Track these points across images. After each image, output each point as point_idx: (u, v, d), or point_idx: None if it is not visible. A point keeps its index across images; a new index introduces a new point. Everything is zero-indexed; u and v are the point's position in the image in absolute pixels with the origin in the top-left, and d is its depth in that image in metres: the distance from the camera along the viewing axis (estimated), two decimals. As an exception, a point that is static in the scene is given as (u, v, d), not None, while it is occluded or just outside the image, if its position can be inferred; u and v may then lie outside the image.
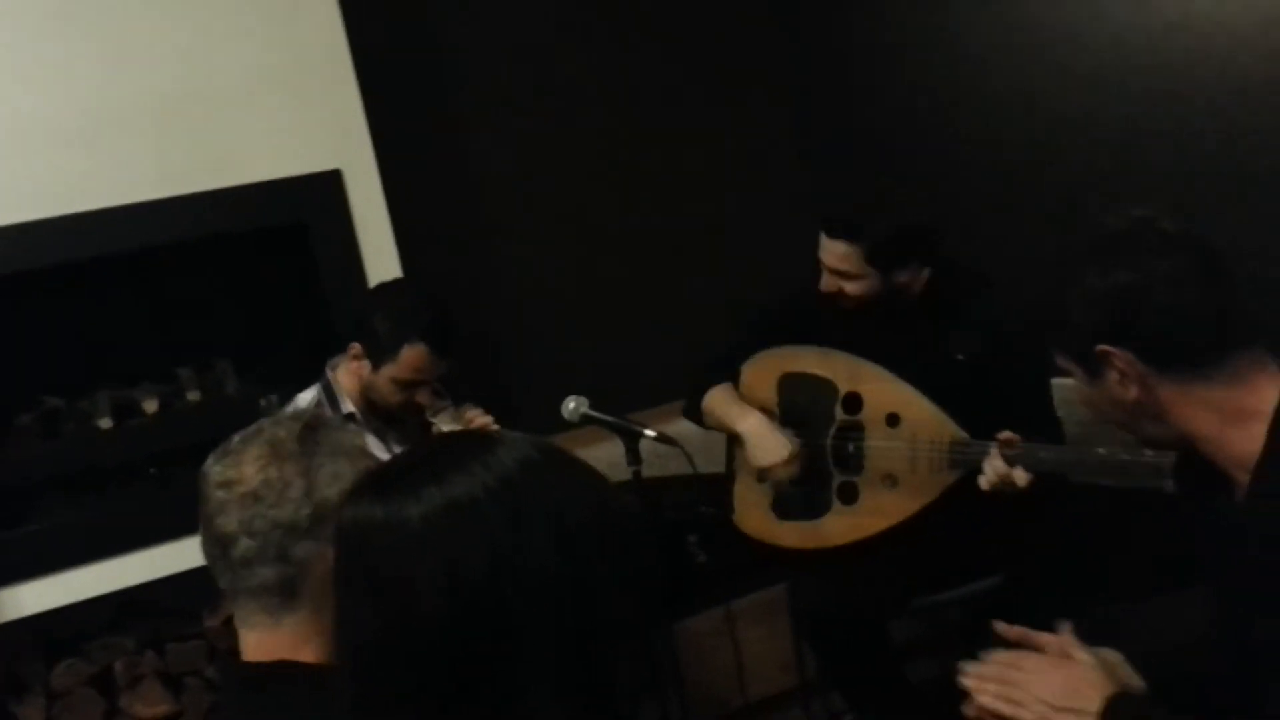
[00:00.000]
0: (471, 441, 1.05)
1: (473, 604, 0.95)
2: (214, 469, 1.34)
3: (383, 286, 2.79)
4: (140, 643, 2.98)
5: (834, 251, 2.57)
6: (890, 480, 2.61)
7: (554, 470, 1.04)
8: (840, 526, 2.68)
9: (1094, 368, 1.53)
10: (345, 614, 1.02)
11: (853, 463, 2.68)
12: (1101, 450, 2.21)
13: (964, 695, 1.63)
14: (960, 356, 2.59)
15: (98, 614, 2.96)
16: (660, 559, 3.06)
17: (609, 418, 2.54)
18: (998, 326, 2.55)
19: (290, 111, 2.98)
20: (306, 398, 2.70)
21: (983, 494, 2.37)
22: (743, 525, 2.87)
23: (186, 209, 2.88)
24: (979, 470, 2.37)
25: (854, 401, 2.68)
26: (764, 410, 2.79)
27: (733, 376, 2.86)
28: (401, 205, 3.14)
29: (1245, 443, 1.46)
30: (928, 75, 3.55)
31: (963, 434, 2.50)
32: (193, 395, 3.06)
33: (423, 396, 2.64)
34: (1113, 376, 1.51)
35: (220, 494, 1.31)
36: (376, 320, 2.59)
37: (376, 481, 1.04)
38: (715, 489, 2.94)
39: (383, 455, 2.53)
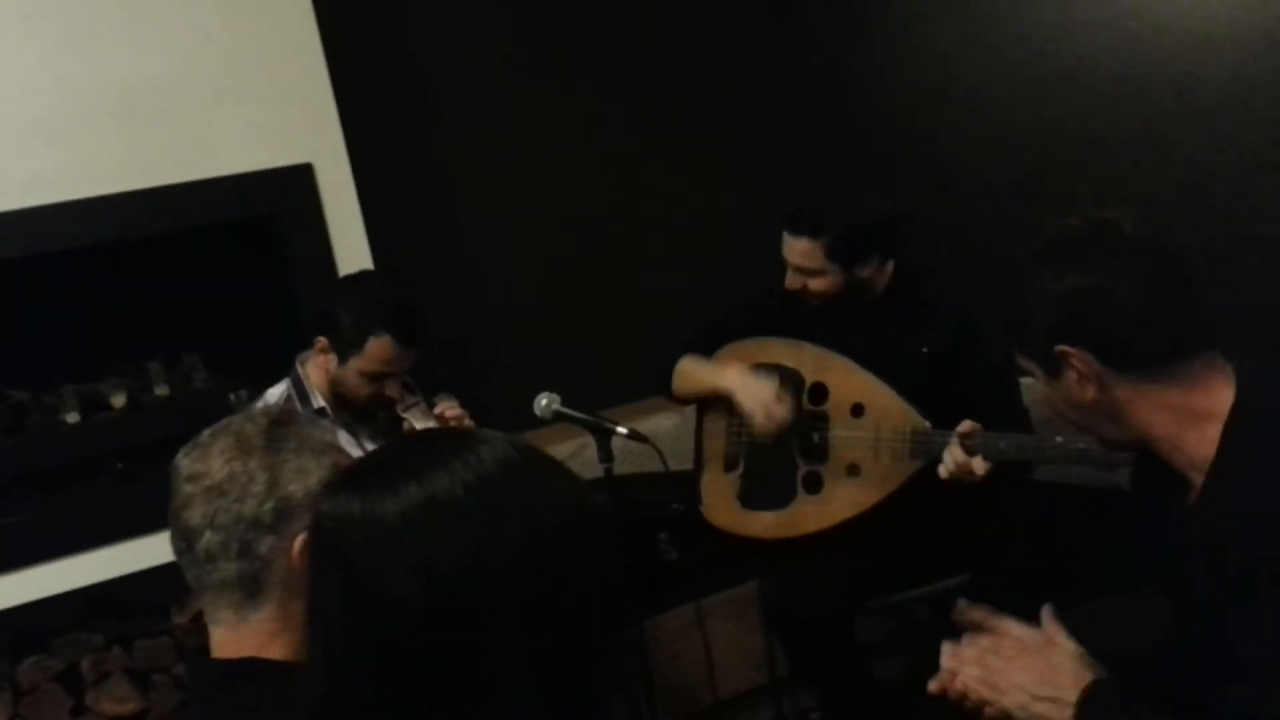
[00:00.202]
0: (451, 439, 1.06)
1: (448, 601, 0.95)
2: (183, 462, 1.33)
3: (346, 279, 2.78)
4: (108, 639, 2.96)
5: (796, 248, 2.60)
6: (854, 470, 2.64)
7: (533, 471, 1.04)
8: (805, 516, 2.70)
9: (1053, 368, 1.55)
10: (318, 608, 1.02)
11: (818, 452, 2.70)
12: (1059, 438, 2.26)
13: (933, 696, 1.64)
14: (925, 350, 2.61)
15: (65, 610, 2.93)
16: (631, 556, 3.06)
17: (581, 415, 2.54)
18: (963, 321, 2.59)
19: (261, 104, 2.96)
20: (276, 392, 2.69)
21: (949, 490, 2.39)
22: (710, 516, 2.88)
23: (155, 202, 2.85)
24: (940, 460, 2.39)
25: (820, 392, 2.70)
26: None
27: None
28: (373, 199, 3.13)
29: (1200, 444, 1.48)
30: (898, 75, 3.57)
31: (925, 424, 2.52)
32: (161, 390, 3.03)
33: (391, 389, 2.63)
34: (1071, 377, 1.53)
35: (188, 487, 1.31)
36: (340, 313, 2.58)
37: (354, 476, 1.04)
38: (686, 486, 2.95)
39: (354, 450, 2.53)
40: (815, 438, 2.70)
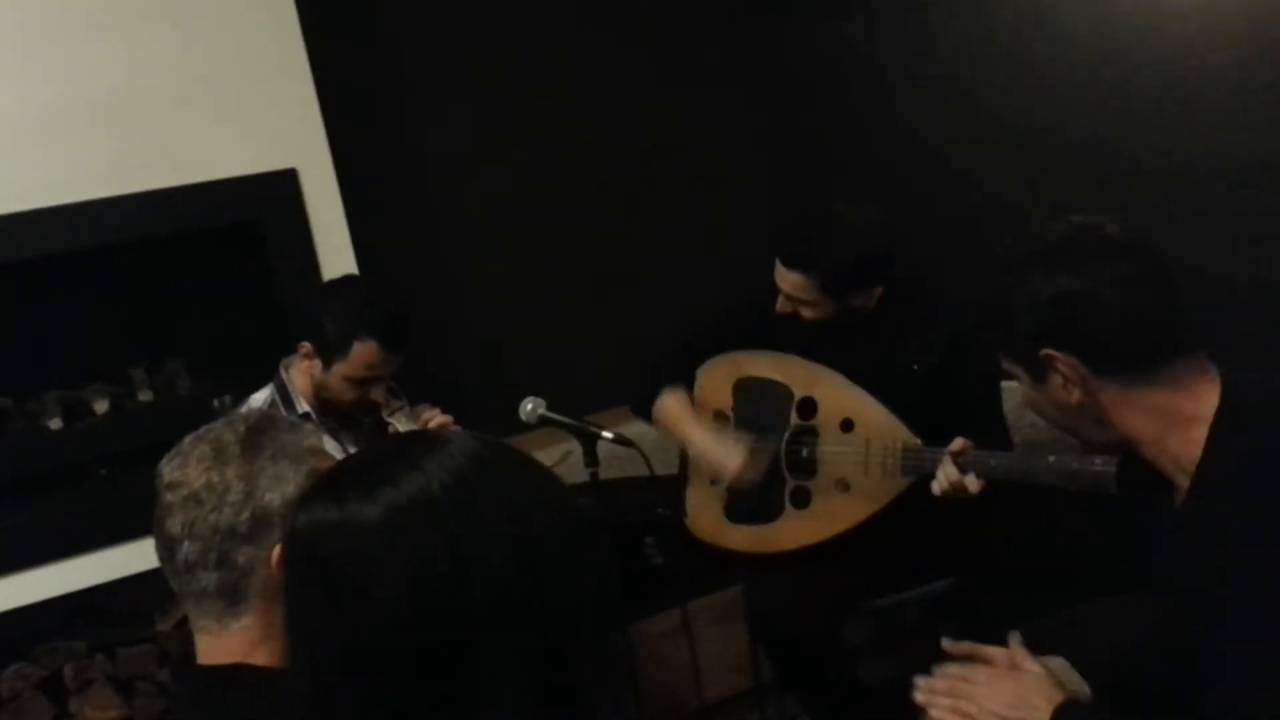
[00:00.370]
0: (421, 441, 1.05)
1: (434, 602, 0.95)
2: (165, 469, 1.33)
3: (331, 284, 2.77)
4: (91, 646, 2.94)
5: (789, 280, 2.58)
6: (843, 485, 2.62)
7: (508, 466, 1.04)
8: (792, 531, 2.69)
9: (1038, 371, 1.56)
10: (299, 620, 1.01)
11: (806, 467, 2.69)
12: (1051, 458, 2.24)
13: (920, 710, 1.65)
14: (915, 367, 2.60)
15: (47, 617, 2.92)
16: (617, 561, 3.05)
17: (567, 419, 2.54)
18: (954, 336, 2.58)
19: (245, 110, 2.95)
20: (260, 398, 2.68)
21: (934, 499, 2.39)
22: (695, 529, 2.87)
23: (139, 207, 2.85)
24: (930, 476, 2.39)
25: (809, 406, 2.69)
26: (719, 414, 2.80)
27: (688, 379, 2.86)
28: (358, 204, 3.12)
29: (1185, 446, 1.49)
30: (886, 82, 3.58)
31: (915, 440, 2.51)
32: (144, 396, 3.02)
33: (376, 394, 2.62)
34: (1056, 380, 1.54)
35: (168, 496, 1.31)
36: (325, 318, 2.57)
37: (329, 484, 1.03)
38: (672, 491, 2.95)
39: (338, 455, 2.52)
40: (804, 452, 2.69)
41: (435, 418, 2.63)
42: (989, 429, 2.48)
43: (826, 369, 2.66)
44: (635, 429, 2.82)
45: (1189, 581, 1.51)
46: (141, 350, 3.10)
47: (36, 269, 2.80)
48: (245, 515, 1.28)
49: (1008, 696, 1.54)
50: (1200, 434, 1.47)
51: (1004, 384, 2.59)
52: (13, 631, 2.88)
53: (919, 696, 1.63)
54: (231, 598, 1.29)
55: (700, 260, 3.95)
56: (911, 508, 2.53)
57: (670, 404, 2.82)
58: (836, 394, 2.65)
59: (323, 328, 2.57)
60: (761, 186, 4.09)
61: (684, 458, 2.92)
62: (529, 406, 2.56)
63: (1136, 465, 1.59)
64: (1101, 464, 2.05)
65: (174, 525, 1.29)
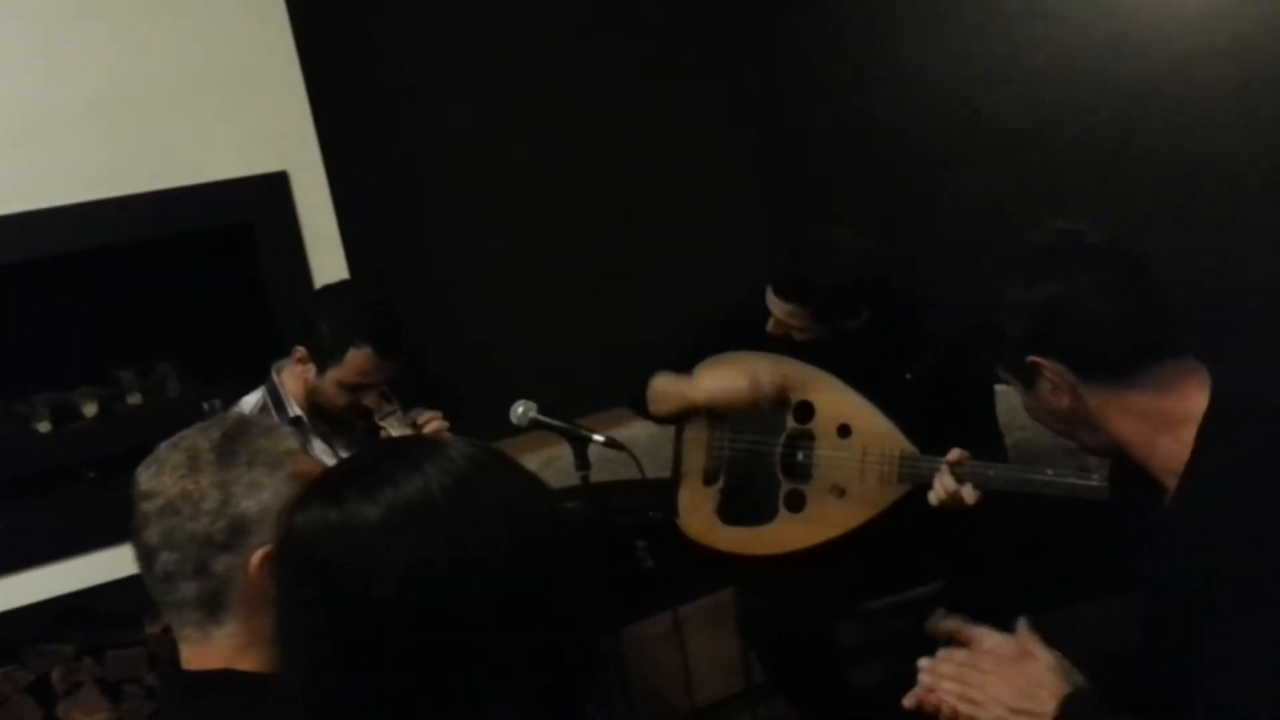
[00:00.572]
0: (418, 445, 1.06)
1: (434, 602, 0.95)
2: (141, 478, 1.32)
3: (327, 289, 2.76)
4: (79, 650, 2.93)
5: (782, 309, 2.59)
6: (838, 491, 2.62)
7: (502, 469, 1.05)
8: (785, 534, 2.69)
9: (1027, 378, 1.56)
10: (295, 623, 1.01)
11: (801, 471, 2.69)
12: (1049, 471, 2.26)
13: (906, 709, 1.64)
14: (908, 375, 2.61)
15: (35, 620, 2.90)
16: (609, 564, 3.05)
17: (558, 422, 2.54)
18: (944, 344, 2.58)
19: (236, 112, 2.95)
20: (251, 401, 2.67)
21: (926, 504, 2.39)
22: (687, 529, 2.87)
23: (130, 209, 2.84)
24: (927, 485, 2.39)
25: (806, 410, 2.69)
26: (716, 414, 2.80)
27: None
28: (349, 208, 3.11)
29: (1174, 448, 1.49)
30: (877, 86, 3.58)
31: (913, 449, 2.51)
32: (133, 398, 3.01)
33: (369, 399, 2.62)
34: (1045, 386, 1.55)
35: (144, 505, 1.29)
36: (321, 323, 2.56)
37: (325, 487, 1.03)
38: (663, 494, 2.94)
39: (329, 460, 2.51)
40: (799, 455, 2.69)
41: (431, 421, 2.63)
42: (982, 436, 2.49)
43: (823, 373, 2.67)
44: (627, 432, 2.83)
45: (1178, 582, 1.51)
46: (131, 353, 3.09)
47: (26, 271, 2.79)
48: (222, 524, 1.27)
49: (1014, 686, 1.52)
50: (1188, 435, 1.48)
51: (998, 388, 2.60)
52: (1, 635, 2.86)
53: (923, 677, 1.61)
54: (212, 606, 1.28)
55: (695, 262, 3.94)
56: (902, 512, 2.54)
57: (662, 378, 2.83)
58: (833, 398, 2.65)
59: (318, 332, 2.56)
60: (757, 188, 4.09)
61: (677, 457, 2.92)
62: (520, 409, 2.55)
63: (1127, 468, 1.59)
64: (1098, 480, 2.06)
65: (151, 535, 1.28)
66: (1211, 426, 1.47)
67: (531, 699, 0.98)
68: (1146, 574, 1.65)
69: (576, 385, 3.43)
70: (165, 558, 1.27)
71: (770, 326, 2.65)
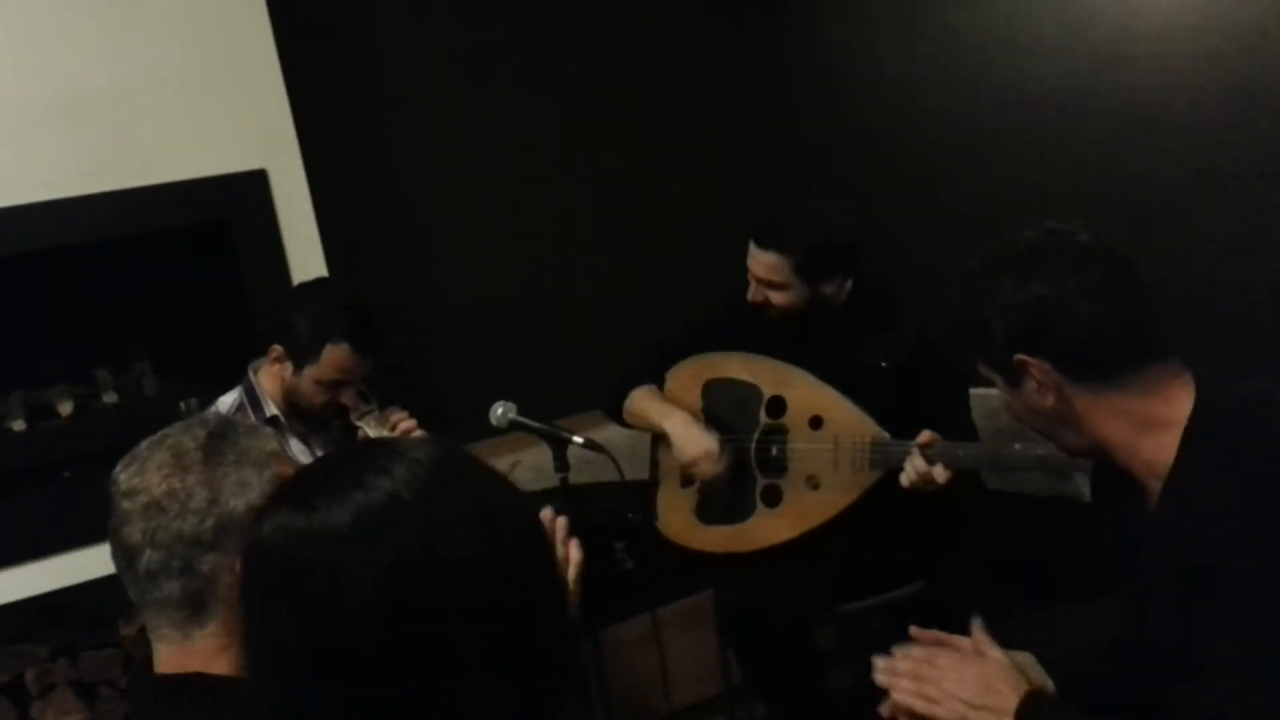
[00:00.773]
0: (380, 447, 1.06)
1: (407, 604, 0.95)
2: (120, 477, 1.31)
3: (302, 287, 2.75)
4: (53, 651, 2.92)
5: (762, 261, 2.60)
6: (813, 482, 2.64)
7: (469, 467, 1.06)
8: (764, 529, 2.70)
9: (1012, 376, 1.57)
10: (265, 632, 1.00)
11: (776, 466, 2.70)
12: (1017, 445, 2.29)
13: (881, 696, 1.65)
14: (884, 364, 2.63)
15: (9, 621, 2.89)
16: (586, 565, 3.04)
17: (537, 423, 2.53)
18: (922, 335, 2.61)
19: (215, 110, 2.93)
20: (228, 401, 2.66)
21: (905, 499, 2.41)
22: (666, 531, 2.87)
23: (107, 206, 2.82)
24: (899, 469, 2.41)
25: (778, 405, 2.70)
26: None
27: (658, 383, 2.87)
28: (328, 206, 3.10)
29: (1158, 451, 1.50)
30: (852, 89, 3.59)
31: (883, 434, 2.54)
32: (109, 397, 2.99)
33: (347, 397, 2.61)
34: (1030, 385, 1.55)
35: (125, 504, 1.28)
36: (297, 321, 2.55)
37: (293, 492, 1.03)
38: (642, 496, 2.94)
39: (306, 459, 2.50)
40: (774, 450, 2.70)
41: (403, 422, 2.62)
42: (957, 424, 2.50)
43: (795, 368, 2.68)
44: (606, 434, 2.82)
45: (1160, 585, 1.52)
46: (107, 351, 3.07)
47: (1, 268, 2.77)
48: (209, 523, 1.26)
49: (972, 682, 1.54)
50: (1173, 438, 1.48)
51: (973, 391, 2.62)
52: (-27, 635, 2.85)
53: (879, 677, 1.62)
54: (196, 606, 1.28)
55: (670, 265, 3.95)
56: (882, 511, 2.55)
57: (640, 395, 2.85)
58: (805, 392, 2.66)
59: (294, 330, 2.55)
60: (730, 191, 4.09)
61: (654, 461, 2.92)
62: (499, 410, 2.55)
63: (1109, 470, 1.60)
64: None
65: (133, 534, 1.27)
66: (1196, 430, 1.47)
67: (507, 699, 0.98)
68: (1128, 576, 1.65)
69: (556, 386, 3.42)
70: (149, 557, 1.26)
71: (750, 294, 2.66)
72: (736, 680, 3.00)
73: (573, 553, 1.59)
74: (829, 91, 3.69)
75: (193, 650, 1.29)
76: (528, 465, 3.34)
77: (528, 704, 1.00)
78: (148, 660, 1.34)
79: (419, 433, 2.59)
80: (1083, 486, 2.75)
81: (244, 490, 1.28)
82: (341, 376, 2.56)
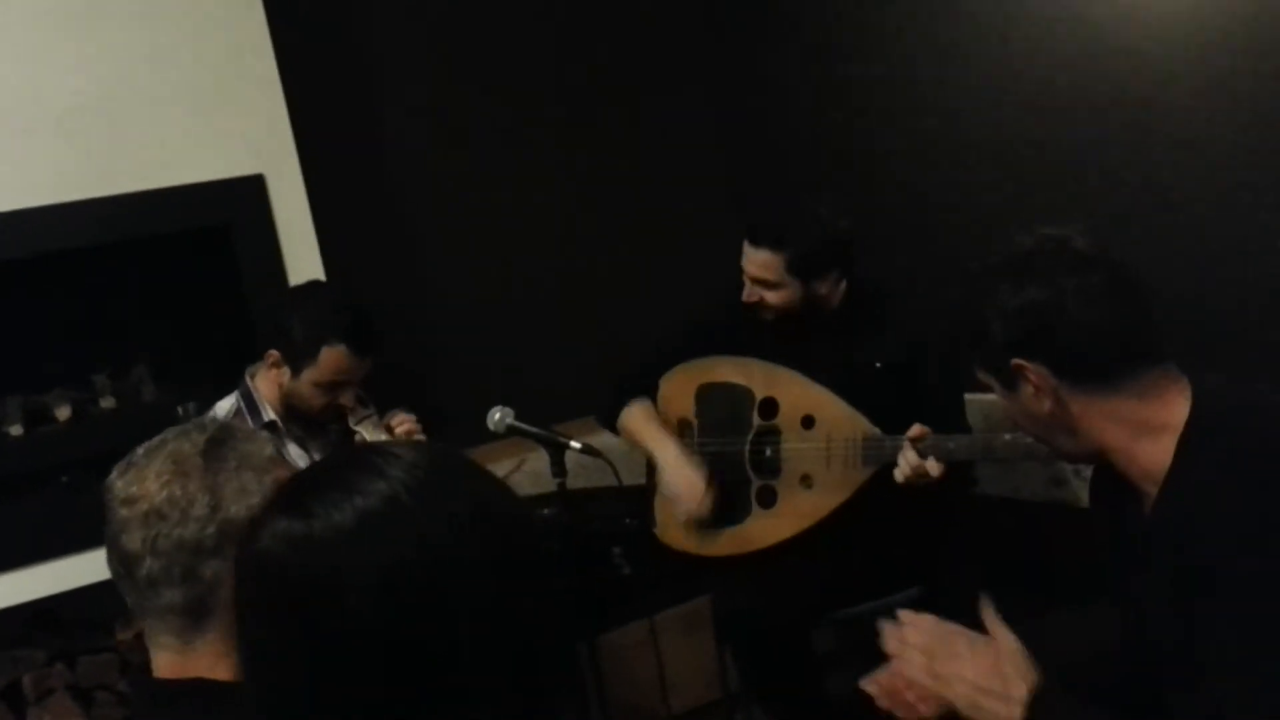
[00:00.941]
0: (372, 452, 1.05)
1: (408, 605, 0.95)
2: (117, 484, 1.29)
3: (296, 290, 2.76)
4: (50, 656, 2.91)
5: (756, 260, 2.61)
6: (807, 481, 2.65)
7: (464, 467, 1.05)
8: (760, 531, 2.71)
9: (1009, 381, 1.57)
10: (263, 638, 1.00)
11: (770, 467, 2.71)
12: (1007, 435, 2.30)
13: (866, 694, 1.63)
14: (878, 364, 2.64)
15: (7, 626, 2.88)
16: (585, 571, 3.05)
17: (534, 429, 2.53)
18: (915, 335, 2.62)
19: (213, 114, 2.94)
20: (225, 406, 2.65)
21: (901, 500, 2.41)
22: (663, 537, 2.88)
23: (105, 211, 2.82)
24: (892, 465, 2.42)
25: (770, 406, 2.71)
26: (683, 421, 2.82)
27: (652, 390, 2.87)
28: (325, 211, 3.10)
29: (1154, 456, 1.50)
30: (850, 90, 3.59)
31: (875, 430, 2.55)
32: (107, 402, 2.99)
33: (347, 398, 2.60)
34: (1027, 390, 1.55)
35: (123, 511, 1.27)
36: (293, 325, 2.55)
37: (290, 499, 1.02)
38: (640, 501, 2.94)
39: (304, 464, 2.50)
40: (767, 452, 2.71)
41: (404, 424, 2.62)
42: (952, 424, 2.50)
43: (785, 369, 2.69)
44: (603, 439, 2.83)
45: (1159, 590, 1.52)
46: (105, 356, 3.07)
47: (1, 272, 2.77)
48: (211, 529, 1.25)
49: (983, 668, 1.48)
50: (1169, 443, 1.49)
51: (968, 396, 2.62)
52: (-30, 640, 2.85)
53: (891, 645, 1.58)
54: (197, 613, 1.27)
55: (667, 270, 3.95)
56: (877, 513, 2.55)
57: (636, 416, 2.84)
58: (796, 392, 2.67)
59: (290, 334, 2.55)
60: (727, 194, 4.09)
61: (652, 467, 2.92)
62: (497, 415, 2.55)
63: (1105, 474, 1.60)
64: None
65: (132, 541, 1.26)
66: (1193, 435, 1.48)
67: (506, 699, 0.98)
68: (1125, 581, 1.65)
69: (554, 392, 3.42)
70: (150, 564, 1.25)
71: (745, 293, 2.67)
72: (734, 685, 3.00)
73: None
74: (826, 93, 3.69)
75: (193, 657, 1.28)
76: (526, 471, 3.35)
77: (527, 704, 1.00)
78: (146, 665, 1.33)
79: (420, 435, 2.59)
80: (1080, 491, 2.76)
81: (245, 496, 1.27)
82: (340, 378, 2.56)
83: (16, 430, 2.87)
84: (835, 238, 2.61)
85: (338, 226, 3.20)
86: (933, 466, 2.35)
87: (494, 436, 2.59)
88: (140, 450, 1.32)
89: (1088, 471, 1.88)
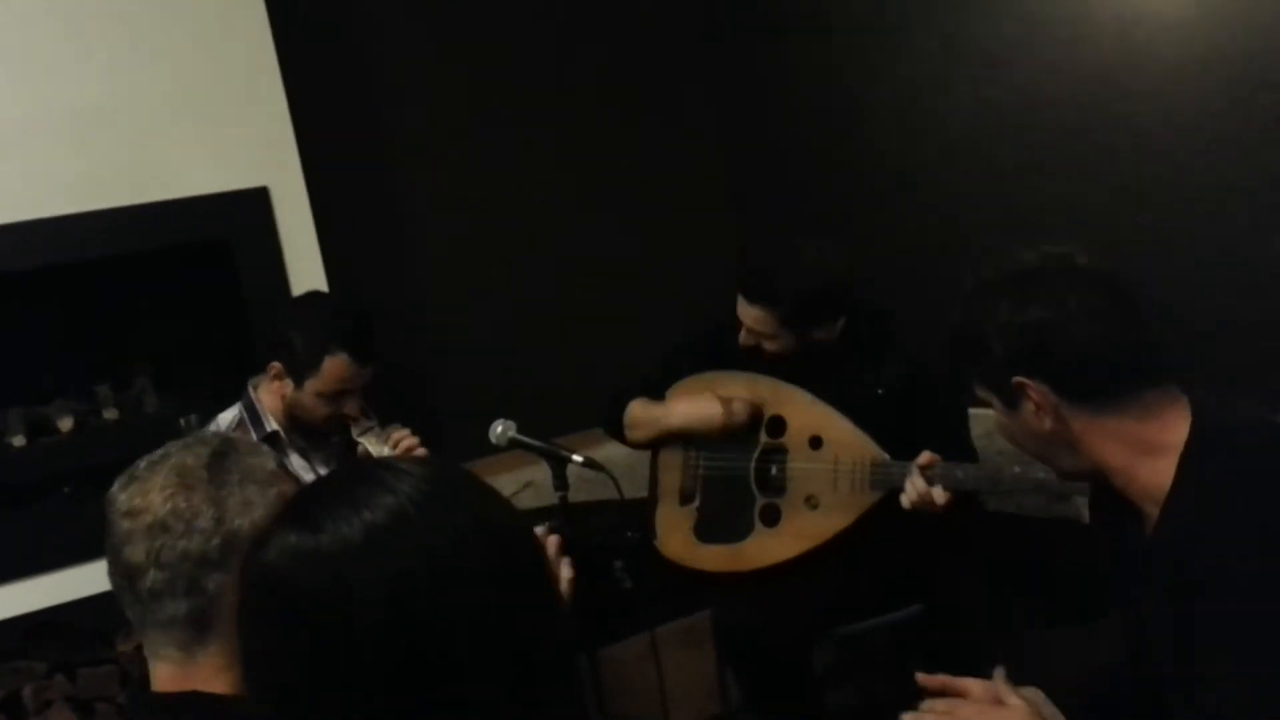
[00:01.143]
0: (379, 467, 1.06)
1: (414, 617, 0.96)
2: (119, 496, 1.30)
3: (296, 301, 2.77)
4: (50, 667, 2.91)
5: (750, 314, 2.61)
6: (812, 502, 2.64)
7: (467, 481, 1.06)
8: (763, 549, 2.69)
9: (1010, 398, 1.56)
10: (267, 649, 1.00)
11: (775, 485, 2.70)
12: (1016, 468, 2.29)
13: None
14: (881, 390, 2.62)
15: (6, 637, 2.88)
16: (585, 585, 3.04)
17: (537, 442, 2.53)
18: (917, 359, 2.61)
19: (217, 127, 2.95)
20: (228, 417, 2.65)
21: (903, 521, 2.41)
22: (665, 550, 2.87)
23: (109, 223, 2.83)
24: (899, 490, 2.41)
25: (778, 424, 2.70)
26: (688, 436, 2.81)
27: (658, 399, 2.87)
28: (329, 223, 3.11)
29: (1155, 475, 1.50)
30: (851, 101, 3.60)
31: (884, 455, 2.53)
32: (110, 413, 3.00)
33: (350, 407, 2.60)
34: (1028, 408, 1.55)
35: (126, 524, 1.27)
36: (293, 336, 2.56)
37: (298, 513, 1.03)
38: (641, 515, 2.94)
39: (307, 475, 2.51)
40: (773, 470, 2.70)
41: (404, 439, 2.62)
42: (957, 447, 2.50)
43: (795, 387, 2.68)
44: (605, 452, 2.82)
45: (1160, 608, 1.52)
46: (108, 367, 3.07)
47: (3, 284, 2.78)
48: (216, 541, 1.26)
49: None
50: (1170, 463, 1.48)
51: (972, 411, 2.62)
52: (-29, 651, 2.84)
53: None
54: (200, 625, 1.27)
55: (670, 283, 3.95)
56: (880, 531, 2.55)
57: (638, 403, 2.86)
58: (805, 411, 2.66)
59: (291, 345, 2.55)
60: (728, 209, 4.10)
61: (653, 479, 2.92)
62: (499, 429, 2.55)
63: (1106, 493, 1.60)
64: None
65: (135, 553, 1.26)
66: (1193, 455, 1.47)
67: (506, 710, 0.99)
68: (1126, 600, 1.65)
69: (555, 405, 3.42)
70: (153, 577, 1.25)
71: (742, 339, 2.67)
72: (735, 700, 2.99)
73: (564, 570, 1.68)
74: (826, 95, 3.70)
75: (195, 670, 1.28)
76: (527, 484, 3.35)
77: (525, 715, 1.00)
78: (145, 678, 1.33)
79: (420, 450, 2.59)
80: (1082, 508, 2.75)
81: (249, 509, 1.28)
82: (343, 386, 2.56)
83: (19, 441, 2.87)
84: (829, 286, 2.57)
85: (341, 239, 3.20)
86: (939, 495, 2.34)
87: (496, 449, 2.58)
88: (142, 463, 1.33)
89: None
